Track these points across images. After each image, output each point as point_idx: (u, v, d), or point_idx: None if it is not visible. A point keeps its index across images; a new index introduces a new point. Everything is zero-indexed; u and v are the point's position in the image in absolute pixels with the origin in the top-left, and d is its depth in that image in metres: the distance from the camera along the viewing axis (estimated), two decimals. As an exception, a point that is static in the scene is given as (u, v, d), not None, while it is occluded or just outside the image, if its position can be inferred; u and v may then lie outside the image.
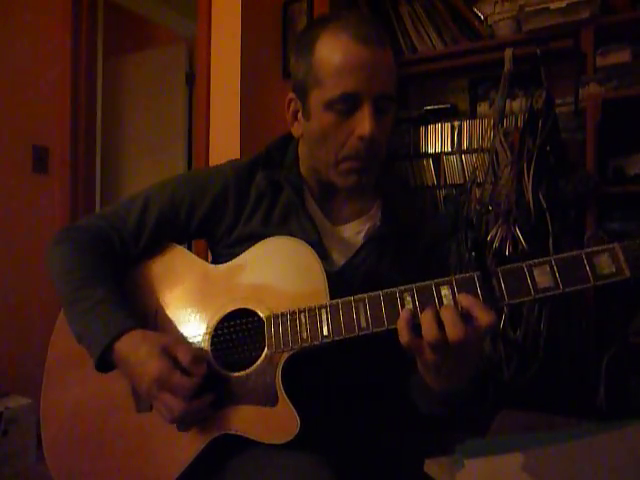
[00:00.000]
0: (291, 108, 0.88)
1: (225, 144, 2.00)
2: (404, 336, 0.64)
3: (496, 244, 1.72)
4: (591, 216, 1.70)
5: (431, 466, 0.60)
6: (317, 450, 0.74)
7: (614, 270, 0.61)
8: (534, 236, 1.68)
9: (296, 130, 0.89)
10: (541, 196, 1.70)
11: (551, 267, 0.63)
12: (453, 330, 0.61)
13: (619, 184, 1.69)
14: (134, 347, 0.75)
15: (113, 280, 0.85)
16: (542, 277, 0.63)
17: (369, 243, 0.87)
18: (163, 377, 0.72)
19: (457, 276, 0.67)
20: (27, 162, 2.22)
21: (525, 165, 1.72)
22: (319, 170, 0.87)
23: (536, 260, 0.64)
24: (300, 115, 0.86)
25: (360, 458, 0.85)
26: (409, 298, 0.68)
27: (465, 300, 0.64)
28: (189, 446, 0.76)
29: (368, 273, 0.85)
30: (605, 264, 0.61)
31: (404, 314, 0.65)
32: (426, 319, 0.63)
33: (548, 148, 1.72)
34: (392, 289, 0.69)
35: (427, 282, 0.68)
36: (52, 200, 2.31)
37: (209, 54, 2.05)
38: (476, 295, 0.65)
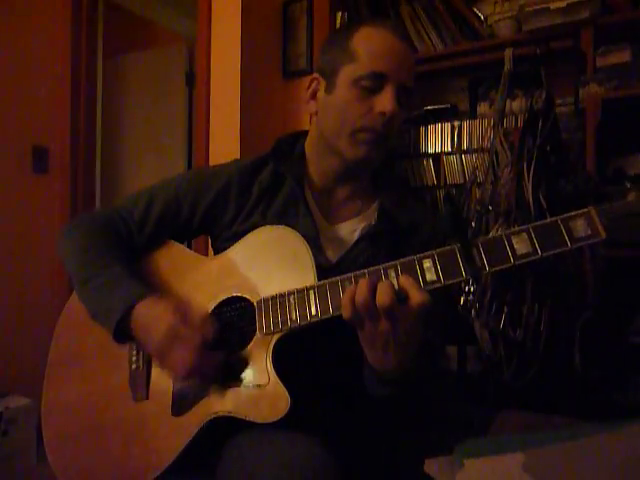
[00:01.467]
0: (312, 86, 0.92)
1: (225, 144, 2.00)
2: (347, 309, 0.68)
3: (496, 244, 1.71)
4: (591, 216, 1.69)
5: (431, 466, 0.60)
6: (315, 435, 0.74)
7: (590, 232, 0.63)
8: (534, 236, 1.68)
9: (311, 108, 0.93)
10: (541, 196, 1.69)
11: (529, 234, 0.66)
12: (381, 297, 0.65)
13: (619, 184, 1.69)
14: (150, 307, 0.79)
15: (126, 260, 0.89)
16: (521, 244, 0.66)
17: (363, 240, 0.90)
18: (175, 328, 0.75)
19: (438, 250, 0.69)
20: (27, 162, 2.22)
21: (525, 165, 1.72)
22: (330, 143, 0.89)
23: (514, 229, 0.67)
24: (320, 93, 0.91)
25: (359, 449, 0.85)
26: (393, 274, 0.70)
27: (404, 280, 0.68)
28: (184, 430, 0.78)
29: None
30: (581, 227, 0.64)
31: (349, 290, 0.68)
32: (362, 284, 0.67)
33: (548, 148, 1.72)
34: (376, 266, 0.72)
35: (410, 257, 0.70)
36: (52, 200, 2.31)
37: (209, 54, 2.05)
38: (457, 265, 0.67)
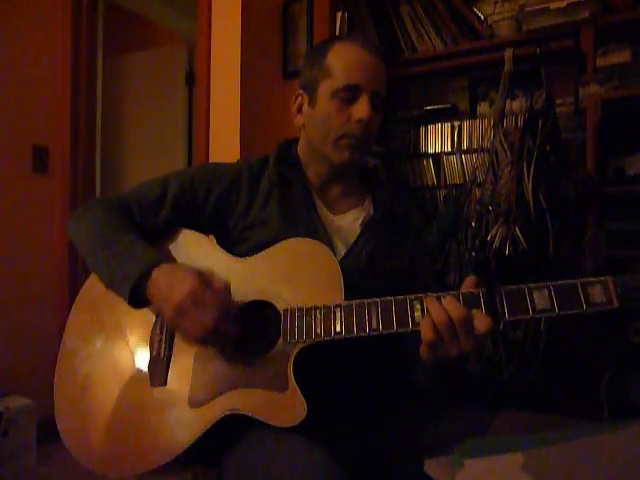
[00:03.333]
0: (297, 102, 1.01)
1: (225, 144, 2.00)
2: (429, 333, 0.72)
3: (496, 244, 1.72)
4: (591, 216, 1.70)
5: (431, 466, 0.60)
6: (322, 441, 0.75)
7: (604, 300, 0.68)
8: (534, 236, 1.68)
9: (298, 121, 1.01)
10: (541, 196, 1.69)
11: (549, 291, 0.71)
12: (455, 310, 0.71)
13: (619, 184, 1.69)
14: (170, 272, 0.80)
15: (141, 234, 0.90)
16: (540, 299, 0.71)
17: (366, 230, 0.97)
18: (197, 291, 0.77)
19: (464, 291, 0.74)
20: (27, 162, 2.21)
21: (525, 165, 1.72)
22: (318, 150, 0.97)
23: (536, 284, 0.72)
24: (305, 107, 0.99)
25: (362, 454, 0.86)
26: (418, 305, 0.75)
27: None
28: (198, 422, 0.79)
29: (368, 258, 0.94)
30: (597, 294, 0.69)
31: (427, 318, 0.73)
32: (431, 304, 0.73)
33: (548, 148, 1.72)
34: (403, 296, 0.77)
35: (437, 293, 0.75)
36: (52, 200, 2.30)
37: (209, 54, 2.05)
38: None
